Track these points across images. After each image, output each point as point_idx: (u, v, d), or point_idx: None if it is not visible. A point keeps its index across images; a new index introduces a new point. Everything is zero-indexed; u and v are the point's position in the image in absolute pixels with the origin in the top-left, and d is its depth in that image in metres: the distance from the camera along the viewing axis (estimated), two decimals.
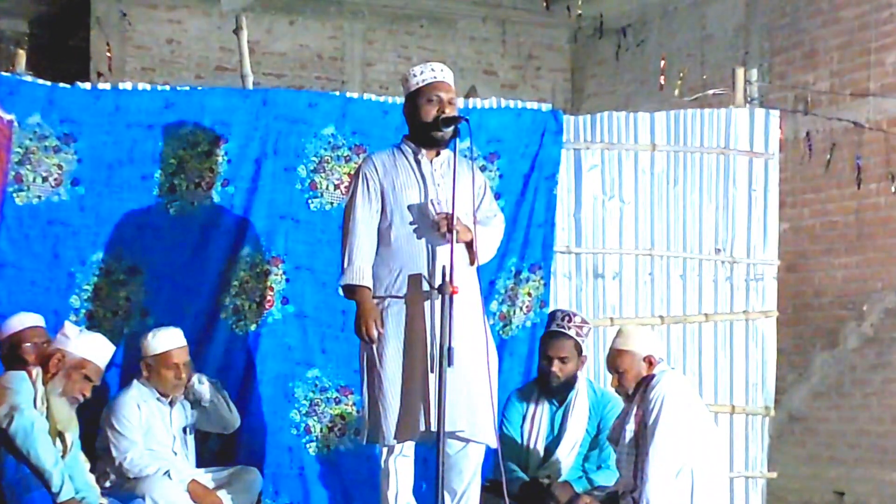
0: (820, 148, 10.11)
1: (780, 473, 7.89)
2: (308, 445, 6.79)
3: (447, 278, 5.40)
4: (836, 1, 10.17)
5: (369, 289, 5.65)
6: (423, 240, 5.65)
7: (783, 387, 9.58)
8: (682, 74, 10.81)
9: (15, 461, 5.51)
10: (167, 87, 6.87)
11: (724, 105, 7.62)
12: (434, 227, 5.60)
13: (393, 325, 5.62)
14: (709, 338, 7.44)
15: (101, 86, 6.86)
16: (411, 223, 5.68)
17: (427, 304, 5.57)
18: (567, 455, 6.43)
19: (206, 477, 6.32)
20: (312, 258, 6.78)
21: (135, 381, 6.31)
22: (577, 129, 7.35)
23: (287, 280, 6.76)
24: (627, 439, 5.97)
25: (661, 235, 7.43)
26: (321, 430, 6.80)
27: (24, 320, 6.07)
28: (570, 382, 6.44)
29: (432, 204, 5.66)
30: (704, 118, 7.49)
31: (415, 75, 5.74)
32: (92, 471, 6.06)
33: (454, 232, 5.50)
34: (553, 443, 6.46)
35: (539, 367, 6.51)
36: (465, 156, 5.91)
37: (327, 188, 6.85)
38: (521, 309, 7.11)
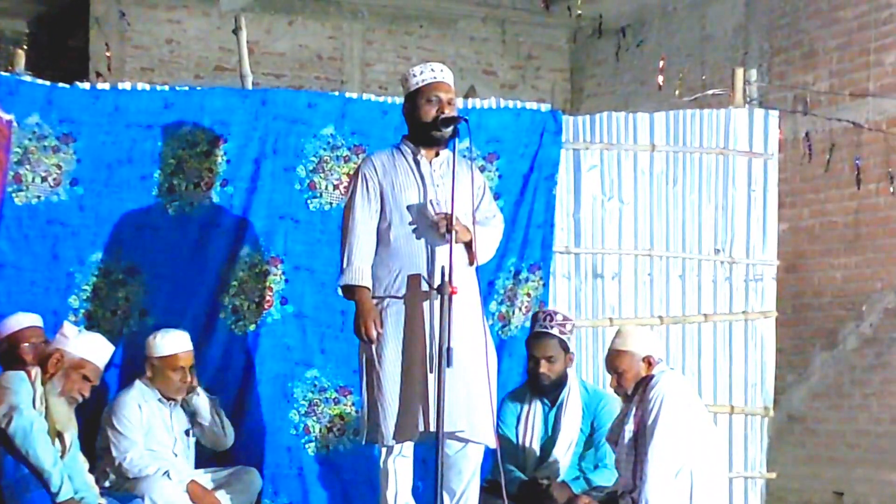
0: (819, 148, 10.11)
1: (780, 474, 7.89)
2: (307, 446, 6.79)
3: (446, 278, 5.40)
4: (836, 1, 10.17)
5: (368, 289, 5.65)
6: (423, 240, 5.65)
7: (782, 387, 9.58)
8: (681, 75, 10.81)
9: (14, 461, 5.51)
10: (166, 88, 6.86)
11: (723, 105, 7.62)
12: (433, 227, 5.60)
13: (392, 325, 5.61)
14: (708, 338, 7.44)
15: (100, 86, 6.86)
16: (410, 223, 5.68)
17: (426, 304, 5.57)
18: (564, 455, 6.43)
19: (205, 477, 6.32)
20: (311, 258, 6.77)
21: (137, 381, 6.30)
22: (577, 130, 7.35)
23: (286, 280, 6.75)
24: (626, 439, 5.97)
25: (661, 236, 7.43)
26: (320, 430, 6.80)
27: (22, 320, 6.08)
28: (560, 382, 6.44)
29: (431, 204, 5.65)
30: (704, 118, 7.49)
31: (414, 75, 5.74)
32: (92, 470, 6.06)
33: (453, 232, 5.50)
34: (548, 443, 6.47)
35: (528, 370, 6.52)
36: (465, 156, 5.91)
37: (326, 188, 6.85)
38: (520, 309, 7.11)
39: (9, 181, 6.38)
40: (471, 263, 5.72)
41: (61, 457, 5.60)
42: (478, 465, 5.76)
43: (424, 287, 5.58)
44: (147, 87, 6.83)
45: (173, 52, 11.78)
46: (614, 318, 7.30)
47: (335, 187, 6.84)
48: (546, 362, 6.39)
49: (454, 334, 5.37)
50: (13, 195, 6.43)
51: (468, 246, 5.68)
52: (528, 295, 7.15)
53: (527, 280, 7.15)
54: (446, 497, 5.60)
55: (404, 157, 5.79)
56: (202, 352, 6.57)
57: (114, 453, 6.14)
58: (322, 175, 6.84)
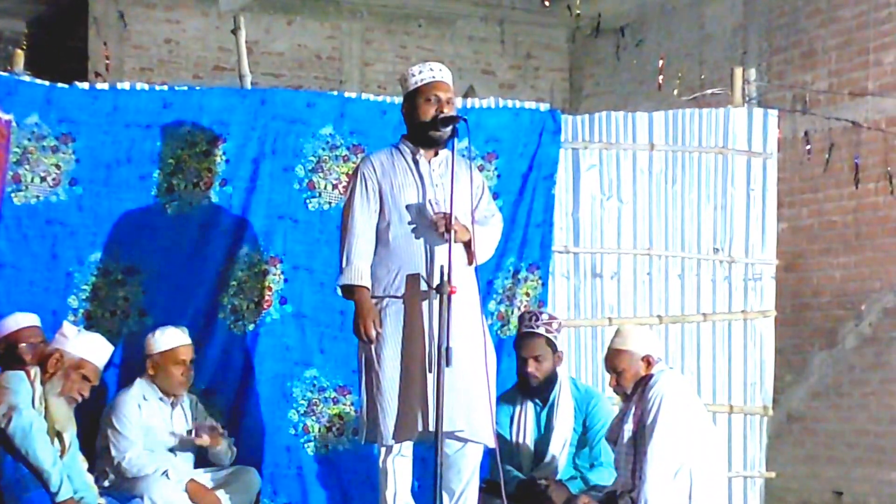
0: (818, 147, 10.11)
1: (779, 473, 7.90)
2: (306, 445, 6.79)
3: (445, 278, 5.40)
4: (835, 0, 10.17)
5: (367, 289, 5.65)
6: (422, 240, 5.65)
7: (781, 387, 9.59)
8: (680, 74, 10.82)
9: (13, 461, 5.51)
10: (165, 87, 6.86)
11: (722, 105, 7.62)
12: (432, 226, 5.60)
13: (391, 325, 5.61)
14: (707, 337, 7.44)
15: (99, 86, 6.85)
16: (409, 223, 5.68)
17: (425, 303, 5.57)
18: (559, 454, 6.43)
19: (204, 477, 6.32)
20: (311, 258, 6.77)
21: (137, 380, 6.30)
22: (576, 129, 7.35)
23: (285, 280, 6.75)
24: (626, 439, 5.97)
25: (660, 235, 7.43)
26: (319, 429, 6.80)
27: (20, 320, 6.08)
28: (550, 381, 6.44)
29: (430, 204, 5.66)
30: (703, 118, 7.49)
31: (413, 75, 5.74)
32: (91, 470, 6.06)
33: (452, 232, 5.50)
34: (542, 442, 6.46)
35: (517, 371, 6.52)
36: (464, 155, 5.91)
37: (325, 188, 6.85)
38: (519, 309, 7.10)
39: (8, 181, 6.38)
40: (470, 263, 5.72)
41: (61, 456, 5.60)
42: (477, 465, 5.75)
43: (423, 287, 5.58)
44: (146, 86, 6.82)
45: (172, 51, 11.78)
46: (613, 318, 7.30)
47: (334, 187, 6.84)
48: (534, 361, 6.40)
49: (453, 334, 5.38)
50: (12, 195, 6.42)
51: (467, 245, 5.68)
52: (527, 294, 7.15)
53: (526, 279, 7.15)
54: (445, 497, 5.59)
55: (403, 156, 5.79)
56: (201, 351, 6.57)
57: (113, 453, 6.14)
58: (321, 175, 6.84)
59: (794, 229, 10.19)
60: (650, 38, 12.09)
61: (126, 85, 6.80)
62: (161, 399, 6.30)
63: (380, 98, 7.10)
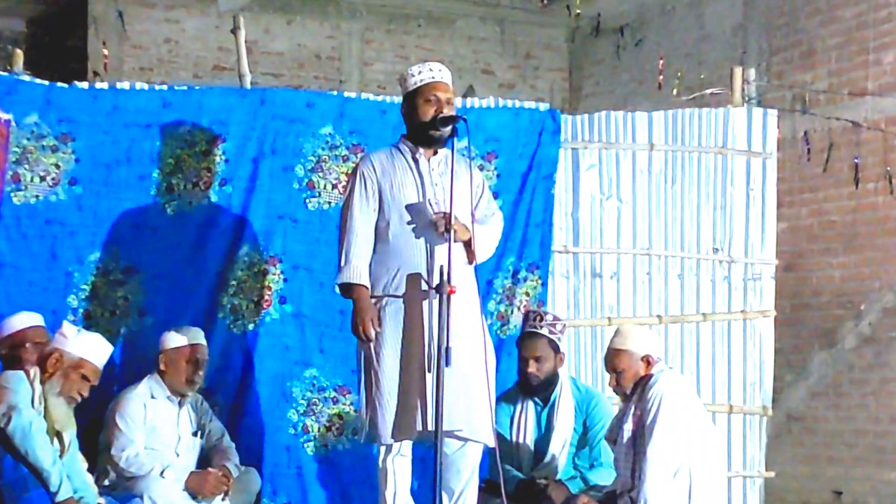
0: (818, 147, 10.11)
1: (778, 473, 7.89)
2: (306, 445, 6.79)
3: (445, 277, 5.40)
4: (834, 0, 10.17)
5: (366, 288, 5.65)
6: (422, 239, 5.65)
7: (781, 386, 9.58)
8: (679, 74, 10.80)
9: (13, 461, 5.50)
10: (165, 87, 6.87)
11: (721, 104, 7.63)
12: (432, 226, 5.60)
13: (391, 324, 5.61)
14: (706, 337, 7.44)
15: (98, 85, 6.85)
16: (409, 222, 5.68)
17: (425, 303, 5.57)
18: (559, 454, 6.43)
19: None
20: (310, 258, 6.77)
21: (146, 378, 6.27)
22: (575, 129, 7.35)
23: (285, 280, 6.75)
24: (625, 439, 5.97)
25: (659, 235, 7.43)
26: (319, 429, 6.80)
27: (25, 320, 6.05)
28: (551, 381, 6.44)
29: (430, 203, 5.65)
30: (702, 118, 7.49)
31: (412, 75, 5.74)
32: (93, 467, 6.06)
33: (452, 231, 5.50)
34: (542, 442, 6.46)
35: (518, 370, 6.52)
36: (463, 155, 5.91)
37: (325, 188, 6.85)
38: (518, 308, 7.10)
39: (7, 181, 6.38)
40: (470, 262, 5.72)
41: (60, 456, 5.59)
42: (476, 465, 5.75)
43: (423, 286, 5.58)
44: (145, 86, 6.83)
45: (171, 51, 11.78)
46: (613, 318, 7.30)
47: (334, 186, 6.84)
48: (535, 362, 6.40)
49: (453, 333, 5.38)
50: (11, 195, 6.42)
51: (467, 244, 5.68)
52: (527, 294, 7.15)
53: (525, 279, 7.16)
54: (445, 496, 5.59)
55: (403, 155, 5.79)
56: None
57: (112, 450, 6.13)
58: (321, 174, 6.84)
59: (793, 229, 10.18)
60: (650, 38, 12.09)
61: (125, 84, 6.80)
62: (169, 398, 6.27)
63: (379, 98, 7.10)
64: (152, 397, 6.24)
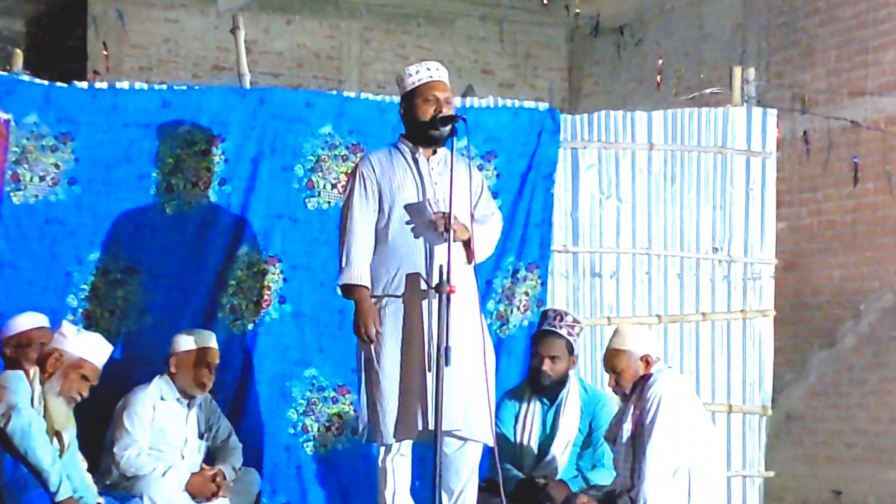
0: (817, 147, 10.12)
1: (778, 473, 7.89)
2: (305, 445, 6.78)
3: (445, 277, 5.40)
4: (834, 0, 10.17)
5: (367, 288, 5.65)
6: (421, 239, 5.65)
7: (780, 386, 9.58)
8: (679, 73, 10.82)
9: (13, 461, 5.50)
10: (164, 87, 6.86)
11: (721, 104, 7.62)
12: (431, 225, 5.60)
13: (391, 324, 5.61)
14: (706, 337, 7.44)
15: (98, 85, 6.85)
16: (409, 222, 5.67)
17: (425, 303, 5.57)
18: (561, 454, 6.43)
19: None
20: (310, 257, 6.77)
21: (156, 379, 6.26)
22: (575, 128, 7.35)
23: (284, 279, 6.75)
24: (625, 438, 5.97)
25: (659, 234, 7.43)
26: (318, 429, 6.80)
27: (31, 321, 6.03)
28: (561, 381, 6.45)
29: (430, 203, 5.65)
30: (702, 117, 7.49)
31: (410, 75, 5.74)
32: (97, 465, 6.05)
33: (451, 231, 5.50)
34: (546, 442, 6.47)
35: (530, 366, 6.52)
36: (463, 155, 5.90)
37: (324, 187, 6.85)
38: (518, 308, 7.11)
39: (7, 180, 6.38)
40: (469, 262, 5.72)
41: (60, 456, 5.60)
42: (476, 464, 5.75)
43: (423, 286, 5.58)
44: (145, 86, 6.82)
45: (171, 51, 11.79)
46: (612, 317, 7.30)
47: (333, 186, 6.84)
48: (549, 361, 6.40)
49: (452, 333, 5.38)
50: (11, 194, 6.42)
51: (466, 244, 5.68)
52: (527, 294, 7.15)
53: (525, 279, 7.15)
54: (444, 496, 5.59)
55: (402, 155, 5.78)
56: None
57: (114, 448, 6.13)
58: (320, 174, 6.84)
59: (793, 229, 10.19)
60: (649, 38, 12.10)
61: (125, 84, 6.80)
62: (178, 400, 6.26)
63: (379, 97, 7.10)
64: (162, 399, 6.23)
